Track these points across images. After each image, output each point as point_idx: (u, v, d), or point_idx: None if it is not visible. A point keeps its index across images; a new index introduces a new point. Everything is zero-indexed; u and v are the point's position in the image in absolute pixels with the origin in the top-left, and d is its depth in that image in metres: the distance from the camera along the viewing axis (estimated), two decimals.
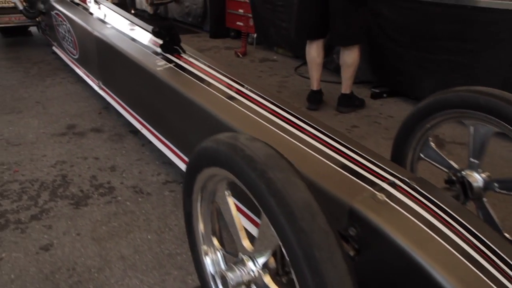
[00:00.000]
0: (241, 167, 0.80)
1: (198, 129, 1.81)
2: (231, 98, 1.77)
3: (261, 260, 0.92)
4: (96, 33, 2.77)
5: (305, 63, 4.22)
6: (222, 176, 0.95)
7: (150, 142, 2.21)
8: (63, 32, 3.57)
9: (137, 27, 2.82)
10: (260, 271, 0.91)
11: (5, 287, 1.38)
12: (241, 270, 0.91)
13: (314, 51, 2.98)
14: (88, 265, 1.48)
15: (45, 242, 1.60)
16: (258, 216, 1.40)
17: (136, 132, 2.47)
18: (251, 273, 0.91)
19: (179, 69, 2.06)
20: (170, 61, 2.14)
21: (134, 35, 2.63)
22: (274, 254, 0.90)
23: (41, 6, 4.04)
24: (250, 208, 1.38)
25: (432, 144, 1.47)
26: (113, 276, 1.44)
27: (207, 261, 1.13)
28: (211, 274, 1.15)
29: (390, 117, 2.98)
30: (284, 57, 4.60)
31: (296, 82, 3.72)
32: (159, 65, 2.08)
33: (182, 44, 2.29)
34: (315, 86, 3.05)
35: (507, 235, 1.29)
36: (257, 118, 1.58)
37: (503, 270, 0.97)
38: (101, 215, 1.77)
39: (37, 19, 4.42)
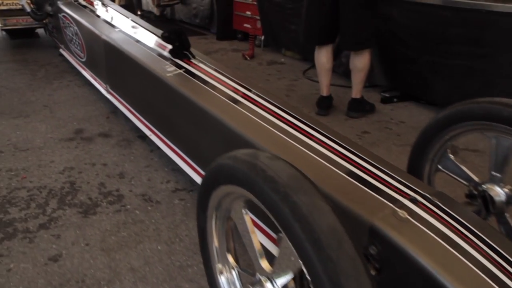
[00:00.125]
0: (262, 188, 0.76)
1: (208, 137, 1.78)
2: (242, 105, 1.73)
3: (280, 282, 0.89)
4: (104, 37, 2.74)
5: (313, 66, 4.17)
6: (239, 194, 0.91)
7: (159, 148, 2.18)
8: (70, 35, 3.55)
9: (145, 31, 2.79)
10: None
11: None
12: None
13: (323, 57, 2.93)
14: (97, 277, 1.45)
15: (54, 252, 1.57)
16: (275, 231, 1.37)
17: (144, 137, 2.44)
18: None
19: (189, 75, 2.03)
20: (179, 66, 2.11)
21: (143, 39, 2.60)
22: (294, 277, 0.87)
23: (48, 8, 4.04)
24: (266, 223, 1.34)
25: (451, 156, 1.43)
26: None
27: (222, 280, 1.10)
28: None
29: (401, 123, 2.93)
30: (292, 59, 4.56)
31: (305, 86, 3.68)
32: (168, 71, 2.05)
33: (191, 49, 2.26)
34: (324, 92, 3.01)
35: None
36: (269, 127, 1.55)
37: None
38: (110, 224, 1.74)
39: (44, 21, 4.41)
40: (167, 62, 2.16)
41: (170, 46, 2.24)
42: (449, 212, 1.11)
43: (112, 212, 1.82)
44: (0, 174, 2.11)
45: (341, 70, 3.75)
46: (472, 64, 2.75)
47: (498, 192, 1.28)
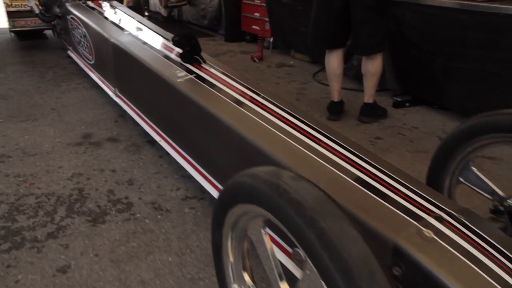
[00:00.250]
0: (286, 212, 0.72)
1: (219, 144, 1.74)
2: (254, 112, 1.69)
3: None
4: (113, 40, 2.71)
5: (323, 68, 4.12)
6: (259, 213, 0.87)
7: (168, 153, 2.14)
8: (79, 37, 3.52)
9: (155, 34, 2.76)
10: None
11: None
12: None
13: (334, 62, 2.87)
14: None
15: (62, 263, 1.53)
16: (290, 245, 1.32)
17: (153, 142, 2.41)
18: None
19: (200, 80, 1.98)
20: (190, 71, 2.07)
21: (153, 42, 2.56)
22: None
23: (56, 10, 4.02)
24: (280, 236, 1.29)
25: (474, 169, 1.37)
26: None
27: None
28: None
29: (414, 128, 2.87)
30: (301, 62, 4.51)
31: (315, 90, 3.63)
32: (179, 76, 2.01)
33: (201, 53, 2.22)
34: (335, 97, 2.95)
35: None
36: (282, 136, 1.50)
37: None
38: (120, 233, 1.70)
39: (52, 22, 4.40)
40: (177, 67, 2.12)
41: (180, 50, 2.21)
42: (475, 231, 1.06)
43: (121, 221, 1.78)
44: (8, 180, 2.08)
45: (352, 73, 3.70)
46: (488, 68, 2.68)
47: None
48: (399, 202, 1.10)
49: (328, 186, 1.16)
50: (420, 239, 0.98)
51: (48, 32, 5.13)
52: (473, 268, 0.96)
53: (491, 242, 1.04)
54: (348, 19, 2.69)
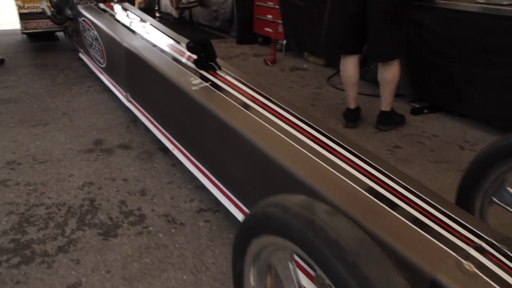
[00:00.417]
0: (323, 253, 0.64)
1: (236, 157, 1.67)
2: (273, 124, 1.62)
3: None
4: (125, 44, 2.65)
5: (337, 72, 4.04)
6: (288, 247, 0.79)
7: (181, 162, 2.08)
8: (90, 40, 3.48)
9: (169, 38, 2.70)
10: None
11: None
12: None
13: (350, 70, 2.77)
14: None
15: (73, 280, 1.48)
16: (312, 268, 1.25)
17: (165, 150, 2.35)
18: None
19: (216, 89, 1.92)
20: (205, 79, 2.00)
21: (166, 47, 2.50)
22: None
23: (68, 12, 3.98)
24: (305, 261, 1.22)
25: (510, 189, 1.29)
26: None
27: None
28: None
29: (434, 136, 2.77)
30: (315, 65, 4.43)
31: (330, 95, 3.54)
32: (194, 84, 1.94)
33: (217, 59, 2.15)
34: (352, 105, 2.86)
35: None
36: (303, 150, 1.44)
37: None
38: (132, 248, 1.64)
39: (64, 24, 4.37)
40: (192, 74, 2.06)
41: (195, 56, 2.14)
42: None
43: (133, 235, 1.72)
44: (19, 189, 2.03)
45: (369, 77, 3.58)
46: None
47: None
48: (434, 229, 1.02)
49: (357, 210, 1.10)
50: (460, 273, 0.90)
51: (60, 34, 5.11)
52: None
53: None
54: (364, 23, 2.60)
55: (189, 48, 2.09)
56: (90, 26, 3.39)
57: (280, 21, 4.72)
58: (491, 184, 1.31)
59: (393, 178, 1.25)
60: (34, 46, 4.98)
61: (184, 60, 2.28)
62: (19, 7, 4.58)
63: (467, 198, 1.37)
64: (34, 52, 4.76)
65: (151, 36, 2.78)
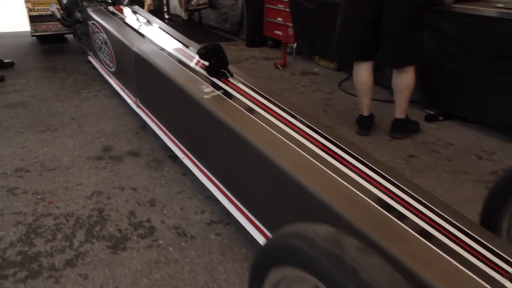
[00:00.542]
0: None
1: (250, 170, 1.62)
2: (287, 136, 1.57)
3: None
4: (135, 49, 2.61)
5: (349, 77, 3.98)
6: (311, 281, 0.74)
7: (191, 170, 2.03)
8: (100, 43, 3.45)
9: (179, 43, 2.65)
10: None
11: None
12: None
13: (363, 77, 2.70)
14: None
15: None
16: None
17: (175, 157, 2.29)
18: None
19: (228, 97, 1.87)
20: (217, 87, 1.95)
21: (177, 53, 2.46)
22: None
23: (78, 14, 3.96)
24: None
25: None
26: None
27: None
28: None
29: (450, 145, 2.70)
30: (326, 69, 4.37)
31: (342, 100, 3.47)
32: (206, 92, 1.89)
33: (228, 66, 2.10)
34: (365, 112, 2.79)
35: None
36: (320, 165, 1.38)
37: None
38: (141, 263, 1.59)
39: (73, 27, 4.35)
40: (203, 81, 2.00)
41: (206, 63, 2.09)
42: None
43: (143, 248, 1.67)
44: (27, 198, 2.00)
45: (385, 81, 3.47)
46: None
47: None
48: (462, 256, 0.96)
49: (377, 233, 1.04)
50: None
51: (69, 36, 5.10)
52: None
53: None
54: (379, 29, 2.53)
55: (200, 55, 2.05)
56: (100, 29, 3.36)
57: (290, 24, 4.67)
58: None
59: (413, 195, 1.20)
60: (44, 48, 4.98)
61: (195, 66, 2.23)
62: (29, 10, 4.58)
63: (493, 219, 1.31)
64: (44, 55, 4.75)
65: (161, 41, 2.73)
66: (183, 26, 6.74)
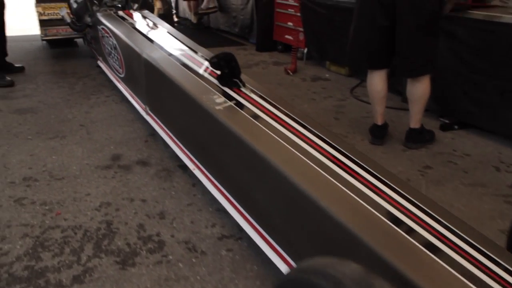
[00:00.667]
0: None
1: (261, 184, 1.57)
2: (301, 150, 1.52)
3: None
4: (145, 56, 2.57)
5: (360, 83, 3.92)
6: None
7: (201, 181, 1.98)
8: (109, 48, 3.42)
9: (190, 51, 2.61)
10: None
11: None
12: None
13: (377, 85, 2.63)
14: None
15: None
16: None
17: (185, 167, 2.25)
18: None
19: (241, 109, 1.82)
20: (229, 97, 1.90)
21: (187, 60, 2.41)
22: None
23: (88, 19, 3.94)
24: None
25: None
26: None
27: None
28: None
29: (466, 156, 2.62)
30: (337, 75, 4.30)
31: (354, 108, 3.41)
32: (218, 103, 1.84)
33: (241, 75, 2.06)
34: (379, 121, 2.72)
35: None
36: (336, 183, 1.34)
37: None
38: (151, 280, 1.54)
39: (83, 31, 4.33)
40: (215, 91, 1.96)
41: (218, 72, 2.05)
42: None
43: (152, 264, 1.62)
44: (35, 208, 1.96)
45: (400, 87, 3.39)
46: None
47: None
48: (488, 284, 0.90)
49: (397, 255, 0.99)
50: None
51: (79, 40, 5.09)
52: None
53: None
54: (393, 36, 2.47)
55: (212, 64, 2.00)
56: (109, 35, 3.33)
57: (300, 29, 4.61)
58: None
59: (433, 215, 1.15)
60: (54, 52, 4.97)
61: (206, 74, 2.19)
62: (40, 14, 4.58)
63: None
64: (54, 59, 4.74)
65: (171, 47, 2.70)
66: (192, 29, 6.71)
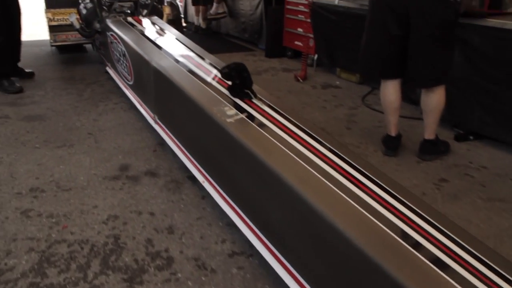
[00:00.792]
0: None
1: (273, 202, 1.51)
2: (315, 166, 1.47)
3: None
4: (154, 64, 2.53)
5: (372, 91, 3.86)
6: None
7: (211, 194, 1.94)
8: (118, 55, 3.39)
9: (201, 59, 2.57)
10: None
11: None
12: None
13: (391, 95, 2.57)
14: None
15: None
16: None
17: (194, 178, 2.19)
18: None
19: (252, 121, 1.76)
20: (241, 109, 1.85)
21: (197, 69, 2.37)
22: None
23: (97, 25, 3.92)
24: None
25: None
26: None
27: None
28: None
29: (483, 168, 2.54)
30: (348, 82, 4.24)
31: (366, 116, 3.34)
32: (229, 115, 1.79)
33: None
34: (392, 132, 2.65)
35: None
36: (350, 201, 1.30)
37: None
38: None
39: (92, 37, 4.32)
40: (226, 103, 1.91)
41: (229, 82, 2.00)
42: None
43: (160, 282, 1.57)
44: (41, 221, 1.92)
45: (414, 96, 3.31)
46: None
47: None
48: None
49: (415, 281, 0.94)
50: None
51: (88, 45, 5.09)
52: None
53: None
54: (407, 46, 2.40)
55: (223, 75, 1.95)
56: (118, 41, 3.30)
57: (311, 35, 4.56)
58: None
59: (450, 235, 1.10)
60: (63, 58, 4.97)
61: (216, 84, 2.14)
62: (49, 20, 4.58)
63: None
64: (63, 64, 4.73)
65: (181, 55, 2.66)
66: (201, 35, 6.69)
